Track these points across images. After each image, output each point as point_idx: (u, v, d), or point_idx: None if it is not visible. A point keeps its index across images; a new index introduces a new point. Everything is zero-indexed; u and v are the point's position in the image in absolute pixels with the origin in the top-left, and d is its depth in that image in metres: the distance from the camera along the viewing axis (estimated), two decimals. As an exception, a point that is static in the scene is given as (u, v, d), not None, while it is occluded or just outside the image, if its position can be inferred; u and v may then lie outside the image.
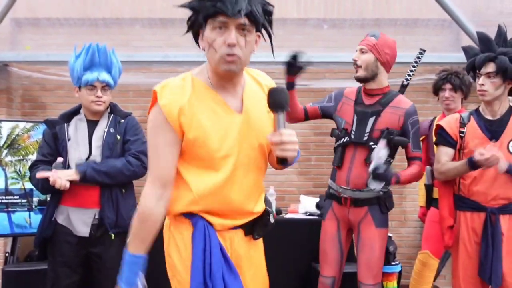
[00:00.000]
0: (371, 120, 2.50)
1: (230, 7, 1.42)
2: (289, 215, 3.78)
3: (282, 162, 1.52)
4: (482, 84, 2.40)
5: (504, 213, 2.39)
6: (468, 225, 2.45)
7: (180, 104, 1.52)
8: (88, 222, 2.46)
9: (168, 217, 1.67)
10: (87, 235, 2.45)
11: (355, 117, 2.53)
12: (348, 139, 2.52)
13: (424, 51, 2.73)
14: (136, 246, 1.56)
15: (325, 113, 2.66)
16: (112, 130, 2.53)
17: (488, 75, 2.39)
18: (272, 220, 1.72)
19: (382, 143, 2.36)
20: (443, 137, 2.53)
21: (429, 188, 3.16)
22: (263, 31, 1.57)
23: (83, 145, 2.51)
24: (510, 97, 2.54)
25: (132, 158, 2.49)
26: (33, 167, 2.55)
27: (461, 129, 2.48)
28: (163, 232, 1.68)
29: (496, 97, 2.41)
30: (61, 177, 2.33)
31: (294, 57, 2.36)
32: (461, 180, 2.48)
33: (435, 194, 2.99)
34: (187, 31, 1.60)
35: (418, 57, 2.72)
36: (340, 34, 4.14)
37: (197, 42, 1.59)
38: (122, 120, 2.59)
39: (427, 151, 3.24)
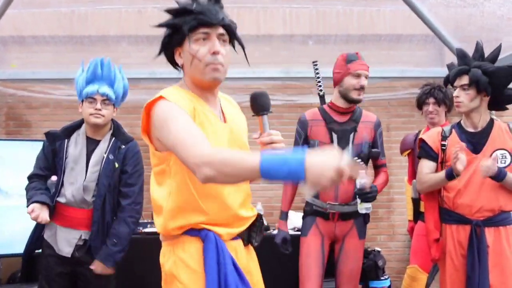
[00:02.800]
0: (351, 136, 2.64)
1: (213, 17, 1.53)
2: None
3: None
4: (457, 96, 2.47)
5: (489, 226, 2.40)
6: (454, 238, 2.46)
7: (189, 109, 1.53)
8: (72, 243, 2.41)
9: (165, 242, 1.62)
10: (69, 255, 2.40)
11: (335, 136, 2.64)
12: None
13: (315, 61, 2.90)
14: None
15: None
16: (111, 156, 2.45)
17: (462, 87, 2.45)
18: (265, 223, 1.75)
19: (362, 174, 2.48)
20: (425, 151, 2.56)
21: (416, 202, 3.18)
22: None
23: (80, 168, 2.45)
24: (493, 111, 2.59)
25: (132, 212, 2.47)
26: (29, 180, 2.52)
27: (443, 142, 2.52)
28: (162, 262, 1.62)
29: (473, 108, 2.46)
30: (42, 212, 2.31)
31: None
32: (445, 193, 2.50)
33: (422, 207, 3.00)
34: (161, 51, 1.65)
35: (316, 69, 2.92)
36: (326, 50, 4.17)
37: (171, 62, 1.66)
38: (123, 146, 2.50)
39: (413, 164, 3.26)
